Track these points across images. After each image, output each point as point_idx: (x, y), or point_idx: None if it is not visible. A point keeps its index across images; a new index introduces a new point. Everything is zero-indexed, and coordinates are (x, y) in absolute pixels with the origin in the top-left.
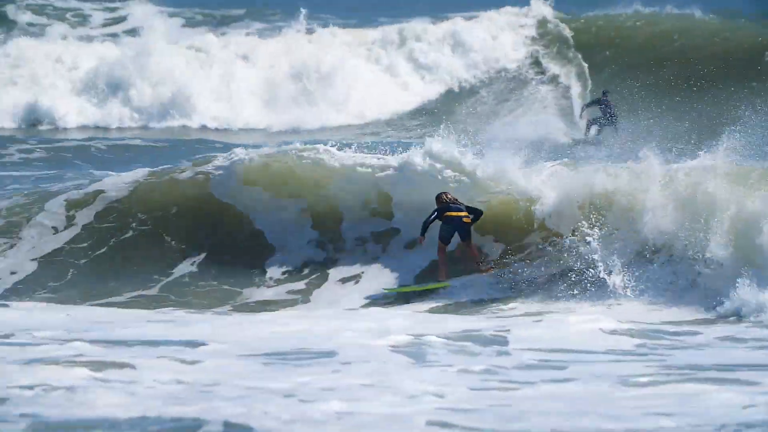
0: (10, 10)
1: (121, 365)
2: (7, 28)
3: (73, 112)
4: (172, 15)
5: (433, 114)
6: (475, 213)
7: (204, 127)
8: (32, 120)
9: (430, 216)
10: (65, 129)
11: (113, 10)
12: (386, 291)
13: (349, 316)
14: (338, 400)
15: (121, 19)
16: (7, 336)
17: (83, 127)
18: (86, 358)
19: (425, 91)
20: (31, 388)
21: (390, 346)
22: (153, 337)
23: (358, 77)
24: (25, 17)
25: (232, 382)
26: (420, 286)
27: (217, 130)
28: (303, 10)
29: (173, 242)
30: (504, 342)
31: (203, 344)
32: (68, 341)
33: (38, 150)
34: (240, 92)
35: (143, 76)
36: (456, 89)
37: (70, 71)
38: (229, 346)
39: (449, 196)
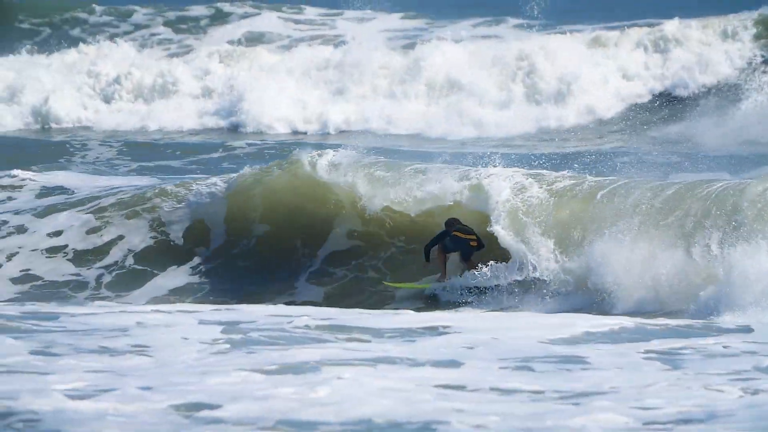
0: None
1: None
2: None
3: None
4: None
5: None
6: (481, 242)
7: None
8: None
9: (433, 239)
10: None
11: None
12: (387, 284)
13: None
14: None
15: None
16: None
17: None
18: None
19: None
20: None
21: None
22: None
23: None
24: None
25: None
26: (420, 284)
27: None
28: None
29: (300, 240)
30: None
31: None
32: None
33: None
34: None
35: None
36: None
37: None
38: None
39: (459, 223)
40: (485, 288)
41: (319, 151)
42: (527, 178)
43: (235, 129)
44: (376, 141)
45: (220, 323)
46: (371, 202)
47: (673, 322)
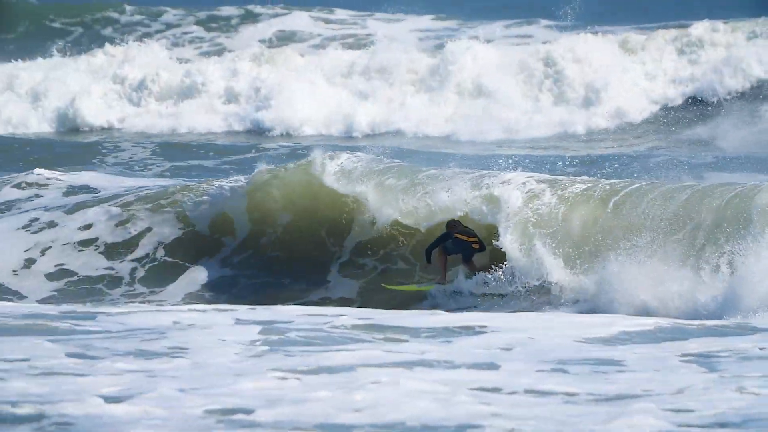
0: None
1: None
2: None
3: None
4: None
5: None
6: (483, 245)
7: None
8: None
9: (435, 241)
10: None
11: None
12: (385, 287)
13: None
14: None
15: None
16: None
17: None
18: None
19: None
20: None
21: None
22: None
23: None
24: None
25: None
26: (420, 286)
27: None
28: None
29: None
30: None
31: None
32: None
33: None
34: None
35: None
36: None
37: None
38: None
39: (461, 225)
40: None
41: (331, 153)
42: (541, 184)
43: (264, 131)
44: (405, 142)
45: (256, 323)
46: (380, 214)
47: (709, 322)
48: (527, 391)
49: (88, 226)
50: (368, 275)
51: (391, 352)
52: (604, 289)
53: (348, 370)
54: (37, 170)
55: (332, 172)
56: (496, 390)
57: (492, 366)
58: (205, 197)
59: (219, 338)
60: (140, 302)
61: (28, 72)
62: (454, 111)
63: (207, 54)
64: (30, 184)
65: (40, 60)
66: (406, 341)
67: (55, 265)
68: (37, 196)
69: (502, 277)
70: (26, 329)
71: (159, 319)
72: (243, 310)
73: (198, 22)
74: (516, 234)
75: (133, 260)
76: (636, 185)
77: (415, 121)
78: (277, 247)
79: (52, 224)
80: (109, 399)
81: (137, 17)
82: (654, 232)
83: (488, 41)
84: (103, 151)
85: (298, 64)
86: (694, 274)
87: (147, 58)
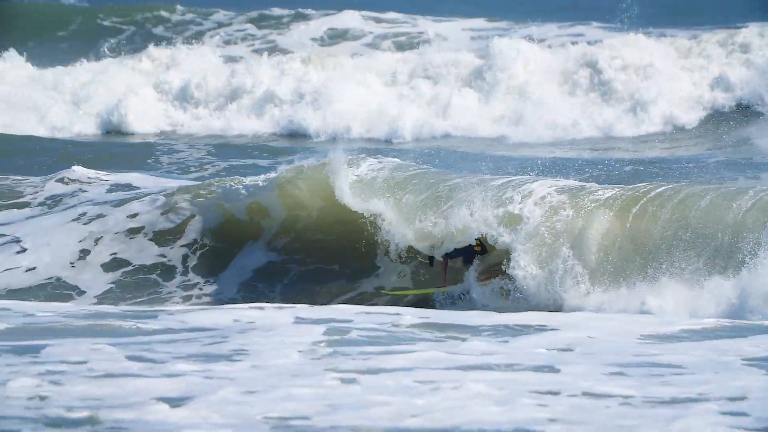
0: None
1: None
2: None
3: None
4: None
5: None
6: (485, 248)
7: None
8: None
9: (454, 252)
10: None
11: None
12: (386, 292)
13: None
14: None
15: None
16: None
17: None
18: None
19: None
20: None
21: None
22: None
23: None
24: None
25: None
26: (420, 290)
27: None
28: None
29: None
30: None
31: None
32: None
33: None
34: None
35: None
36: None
37: None
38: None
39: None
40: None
41: (352, 157)
42: (563, 196)
43: (310, 134)
44: (455, 144)
45: (316, 322)
46: (394, 236)
47: None
48: (586, 394)
49: (135, 216)
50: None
51: (452, 354)
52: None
53: (409, 372)
54: (75, 167)
55: (347, 185)
56: (555, 393)
57: (551, 367)
58: (239, 187)
59: (280, 339)
60: (197, 293)
61: (76, 74)
62: (503, 112)
63: (259, 51)
64: (72, 180)
65: (88, 62)
66: (466, 341)
67: (110, 255)
68: (82, 191)
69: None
70: (88, 330)
71: (219, 318)
72: (302, 308)
73: (250, 21)
74: (532, 257)
75: (182, 247)
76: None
77: (463, 123)
78: (316, 231)
79: (100, 216)
80: (167, 403)
81: (189, 16)
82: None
83: (540, 40)
84: (157, 153)
85: (347, 66)
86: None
87: (195, 61)
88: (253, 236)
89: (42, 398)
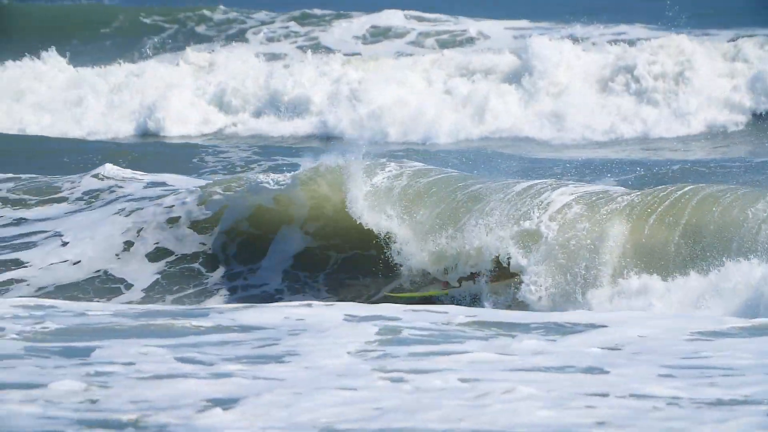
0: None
1: None
2: None
3: None
4: None
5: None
6: None
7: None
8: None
9: None
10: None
11: None
12: (388, 295)
13: None
14: None
15: None
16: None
17: None
18: None
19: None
20: None
21: None
22: None
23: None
24: None
25: None
26: (421, 293)
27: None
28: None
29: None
30: None
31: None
32: None
33: None
34: None
35: None
36: None
37: None
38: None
39: None
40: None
41: (370, 163)
42: (581, 205)
43: (348, 137)
44: (490, 145)
45: (366, 320)
46: (407, 258)
47: None
48: (634, 396)
49: (172, 207)
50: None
51: (502, 354)
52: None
53: (459, 373)
54: (107, 165)
55: (361, 197)
56: (603, 395)
57: (600, 368)
58: (267, 180)
59: (330, 339)
60: (242, 283)
61: (115, 74)
62: (544, 113)
63: (303, 48)
64: (107, 177)
65: (130, 62)
66: (516, 340)
67: (153, 245)
68: (118, 187)
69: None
70: (138, 330)
71: (269, 316)
72: (350, 306)
73: (292, 19)
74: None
75: (221, 234)
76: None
77: (503, 124)
78: (346, 216)
79: (139, 209)
80: (216, 405)
81: (232, 14)
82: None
83: (583, 39)
84: (197, 154)
85: (386, 66)
86: None
87: (234, 62)
88: (286, 222)
89: (89, 400)
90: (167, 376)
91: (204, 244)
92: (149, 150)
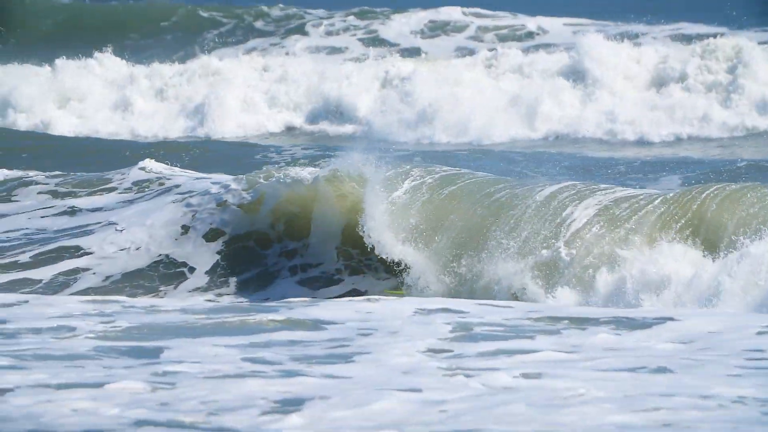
0: None
1: None
2: None
3: None
4: None
5: None
6: None
7: None
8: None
9: None
10: None
11: None
12: (387, 292)
13: None
14: None
15: None
16: None
17: None
18: None
19: None
20: None
21: None
22: None
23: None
24: None
25: None
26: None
27: None
28: None
29: None
30: None
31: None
32: None
33: None
34: None
35: None
36: None
37: None
38: None
39: None
40: None
41: (391, 173)
42: (601, 223)
43: (396, 139)
44: (543, 145)
45: (435, 313)
46: (422, 291)
47: None
48: (702, 396)
49: (219, 192)
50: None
51: (573, 353)
52: None
53: (530, 371)
54: (147, 161)
55: (375, 215)
56: (670, 395)
57: (667, 367)
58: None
59: (401, 336)
60: (300, 262)
61: (169, 72)
62: (601, 110)
63: (364, 41)
64: (154, 171)
65: (186, 60)
66: (585, 337)
67: (209, 225)
68: (167, 178)
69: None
70: (209, 329)
71: (338, 312)
72: (419, 301)
73: (351, 14)
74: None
75: (267, 213)
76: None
77: (559, 123)
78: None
79: (189, 195)
80: (281, 407)
81: (292, 10)
82: None
83: (641, 34)
84: (254, 154)
85: (440, 65)
86: None
87: (288, 62)
88: (327, 203)
89: (154, 401)
90: (235, 375)
91: (253, 224)
92: (200, 149)
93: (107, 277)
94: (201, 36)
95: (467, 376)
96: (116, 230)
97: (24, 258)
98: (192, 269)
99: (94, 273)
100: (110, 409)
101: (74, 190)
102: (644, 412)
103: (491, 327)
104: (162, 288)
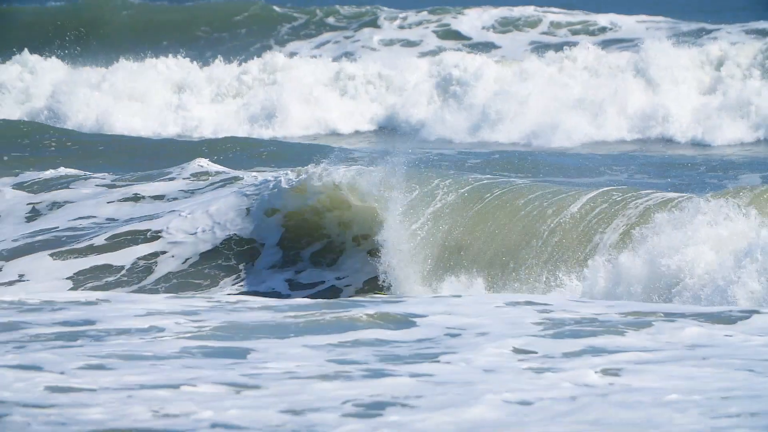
0: None
1: None
2: None
3: None
4: None
5: None
6: None
7: None
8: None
9: None
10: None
11: None
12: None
13: None
14: None
15: None
16: None
17: None
18: None
19: None
20: None
21: None
22: None
23: None
24: None
25: None
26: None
27: None
28: None
29: None
30: None
31: None
32: None
33: None
34: None
35: None
36: None
37: None
38: None
39: None
40: None
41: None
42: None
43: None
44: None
45: (525, 311)
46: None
47: None
48: None
49: (273, 180)
50: None
51: (662, 351)
52: None
53: (618, 370)
54: (200, 159)
55: (393, 249)
56: (756, 397)
57: (753, 369)
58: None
59: (490, 334)
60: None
61: (236, 72)
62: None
63: (437, 33)
64: (207, 166)
65: (257, 58)
66: (674, 333)
67: (270, 208)
68: (222, 173)
69: None
70: (295, 327)
71: (423, 307)
72: (506, 296)
73: (422, 11)
74: None
75: (318, 191)
76: None
77: (643, 122)
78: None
79: (247, 183)
80: (362, 409)
81: (366, 8)
82: None
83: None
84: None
85: (514, 66)
86: None
87: (357, 60)
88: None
89: (234, 404)
90: (317, 376)
91: (306, 201)
92: (264, 147)
93: (186, 260)
94: (275, 31)
95: (556, 374)
96: (182, 215)
97: (99, 241)
98: (261, 245)
99: (172, 256)
100: (194, 410)
101: (134, 182)
102: (726, 418)
103: (580, 324)
104: (241, 266)
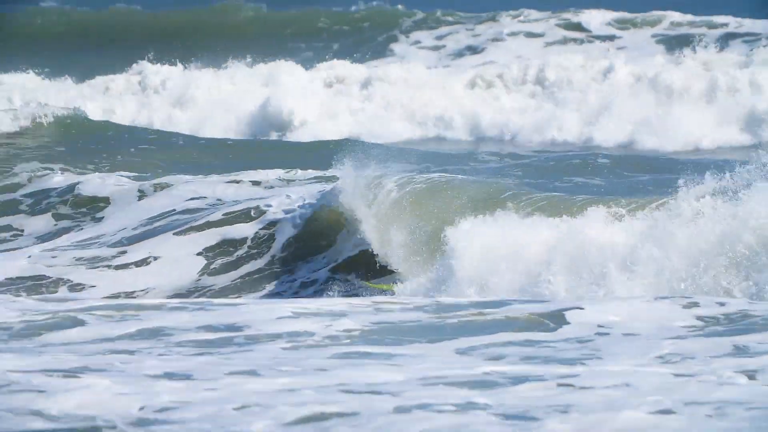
0: None
1: None
2: None
3: None
4: None
5: None
6: None
7: None
8: None
9: None
10: None
11: None
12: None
13: None
14: None
15: None
16: None
17: None
18: None
19: None
20: None
21: None
22: None
23: None
24: None
25: None
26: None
27: None
28: None
29: None
30: None
31: None
32: None
33: None
34: None
35: None
36: None
37: None
38: None
39: None
40: None
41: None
42: None
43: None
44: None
45: (673, 312)
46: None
47: None
48: None
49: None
50: None
51: (743, 357)
52: None
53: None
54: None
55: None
56: None
57: None
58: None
59: (637, 339)
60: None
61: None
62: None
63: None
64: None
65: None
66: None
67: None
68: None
69: None
70: (440, 328)
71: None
72: (659, 304)
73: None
74: None
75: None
76: None
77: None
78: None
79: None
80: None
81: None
82: None
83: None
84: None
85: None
86: None
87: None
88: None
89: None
90: (462, 383)
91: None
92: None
93: (302, 227)
94: (391, 30)
95: (708, 378)
96: (287, 196)
97: (216, 217)
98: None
99: (287, 226)
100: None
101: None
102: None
103: (731, 322)
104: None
